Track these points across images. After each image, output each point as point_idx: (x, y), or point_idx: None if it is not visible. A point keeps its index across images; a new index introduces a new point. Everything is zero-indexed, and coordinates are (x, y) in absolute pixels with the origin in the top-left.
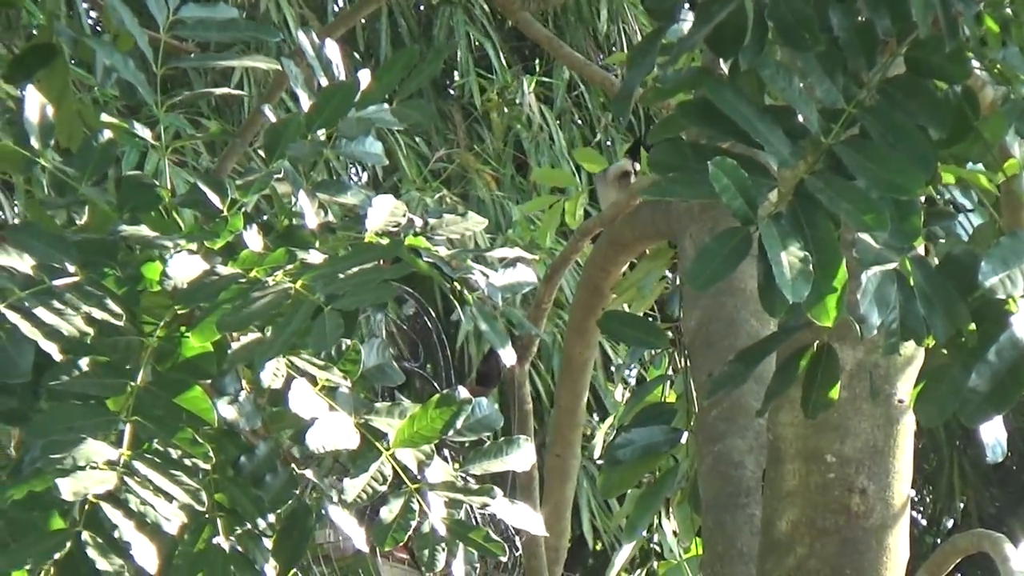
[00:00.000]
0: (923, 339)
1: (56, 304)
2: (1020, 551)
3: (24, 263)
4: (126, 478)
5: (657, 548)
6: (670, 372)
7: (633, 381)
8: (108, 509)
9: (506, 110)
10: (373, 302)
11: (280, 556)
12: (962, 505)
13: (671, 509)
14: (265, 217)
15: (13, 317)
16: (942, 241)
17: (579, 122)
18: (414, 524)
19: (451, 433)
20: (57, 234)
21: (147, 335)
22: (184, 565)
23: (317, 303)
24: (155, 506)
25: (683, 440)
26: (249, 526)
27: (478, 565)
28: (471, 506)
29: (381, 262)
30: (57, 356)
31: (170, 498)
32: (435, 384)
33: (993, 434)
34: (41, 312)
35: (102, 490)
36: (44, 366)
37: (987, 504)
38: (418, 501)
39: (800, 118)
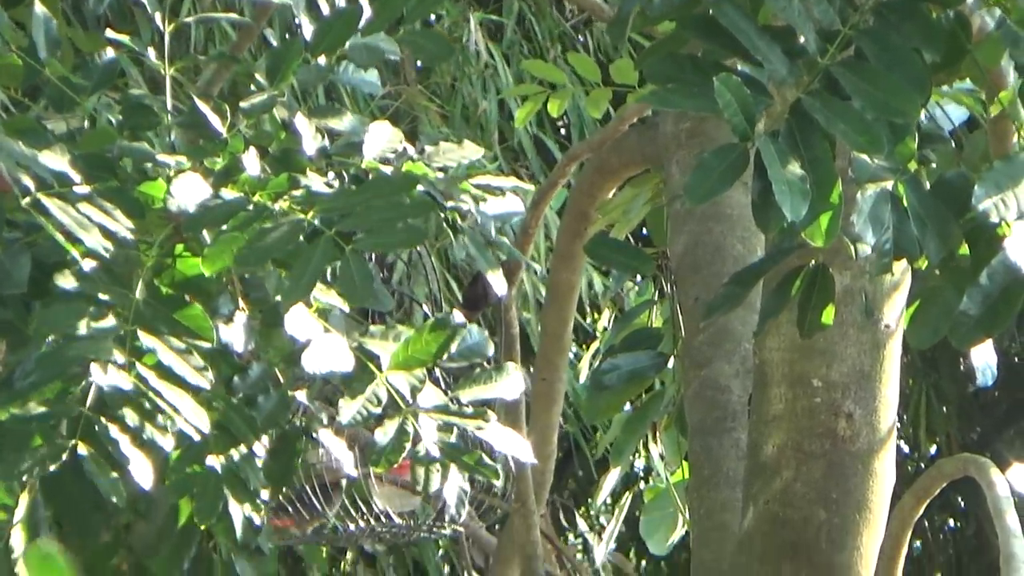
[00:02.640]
0: (916, 260)
1: (74, 212)
2: (1010, 475)
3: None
4: (138, 384)
5: (641, 474)
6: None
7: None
8: (105, 423)
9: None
10: (403, 245)
11: (270, 477)
12: (945, 432)
13: (658, 434)
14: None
15: (53, 210)
16: (934, 165)
17: (528, 54)
18: (408, 447)
19: (444, 359)
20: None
21: (145, 252)
22: (177, 484)
23: (335, 239)
24: (166, 414)
25: (669, 365)
26: (243, 447)
27: (468, 490)
28: (462, 432)
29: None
30: (77, 257)
31: (178, 411)
32: (423, 307)
33: (983, 358)
34: (63, 217)
35: (124, 386)
36: (38, 279)
37: (968, 430)
38: (412, 424)
39: (799, 39)
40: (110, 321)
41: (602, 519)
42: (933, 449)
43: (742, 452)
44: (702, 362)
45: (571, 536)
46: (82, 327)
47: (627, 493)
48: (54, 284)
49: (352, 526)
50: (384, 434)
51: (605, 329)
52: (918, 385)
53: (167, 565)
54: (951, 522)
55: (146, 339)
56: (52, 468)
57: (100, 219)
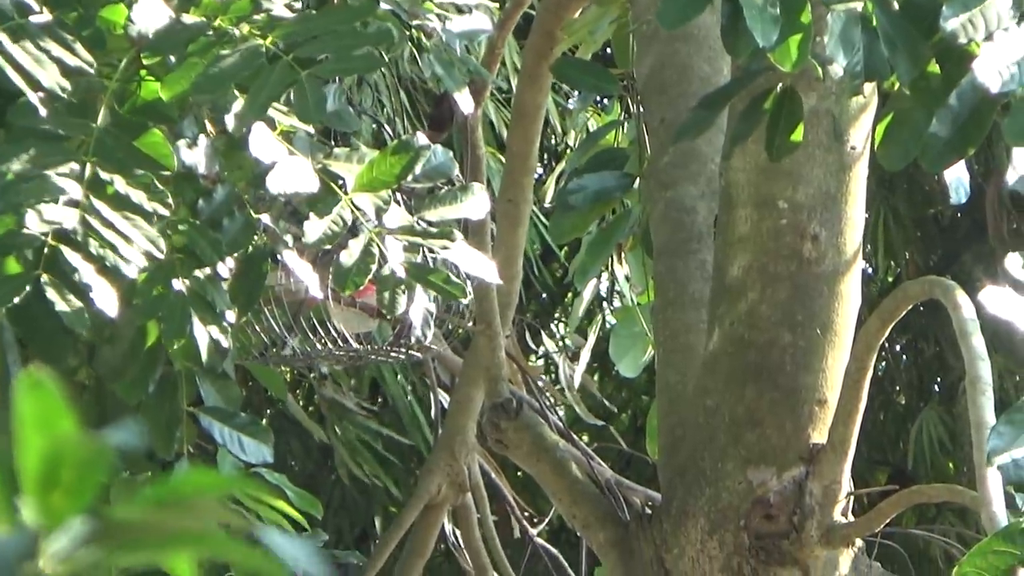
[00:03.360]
0: (887, 80)
1: (31, 48)
2: (982, 296)
3: None
4: (88, 217)
5: (605, 296)
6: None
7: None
8: (67, 252)
9: None
10: (361, 71)
11: (237, 299)
12: (904, 255)
13: (623, 255)
14: None
15: (8, 45)
16: None
17: None
18: (373, 268)
19: (408, 179)
20: None
21: (108, 76)
22: (142, 307)
23: (292, 64)
24: (117, 247)
25: (635, 186)
26: (208, 269)
27: (434, 311)
28: (426, 253)
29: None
30: (35, 99)
31: (130, 241)
32: (388, 129)
33: (955, 175)
34: (18, 54)
35: (70, 224)
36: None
37: (929, 252)
38: (377, 245)
39: None
40: (67, 155)
41: (567, 340)
42: (892, 273)
43: (707, 274)
44: (668, 183)
45: (535, 357)
46: (37, 162)
47: (595, 316)
48: (12, 117)
49: (309, 348)
50: (349, 255)
51: (570, 148)
52: (876, 208)
53: (132, 388)
54: (913, 343)
55: (104, 172)
56: (17, 300)
57: (59, 53)
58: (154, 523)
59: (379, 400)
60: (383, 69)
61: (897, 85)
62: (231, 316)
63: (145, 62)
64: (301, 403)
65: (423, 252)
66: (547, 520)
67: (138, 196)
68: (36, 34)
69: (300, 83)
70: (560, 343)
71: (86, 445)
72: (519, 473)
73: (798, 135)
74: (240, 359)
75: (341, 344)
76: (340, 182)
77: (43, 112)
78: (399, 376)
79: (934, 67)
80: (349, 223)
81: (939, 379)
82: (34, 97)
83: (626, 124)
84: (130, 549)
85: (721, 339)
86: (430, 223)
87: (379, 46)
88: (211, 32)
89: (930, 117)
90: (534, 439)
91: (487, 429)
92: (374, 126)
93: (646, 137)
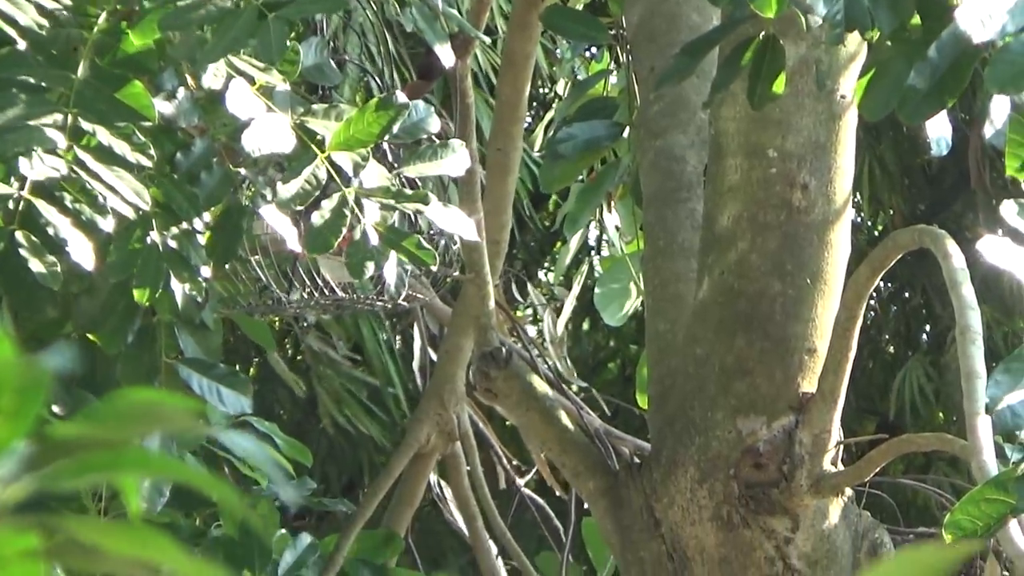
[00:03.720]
0: (867, 30)
1: None
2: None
3: None
4: (75, 167)
5: (593, 245)
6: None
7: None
8: (43, 206)
9: None
10: (324, 11)
11: (213, 253)
12: (890, 205)
13: (612, 204)
14: None
15: None
16: None
17: None
18: (346, 228)
19: (388, 137)
20: None
21: (88, 28)
22: (118, 262)
23: (259, 8)
24: (104, 197)
25: (625, 135)
26: (184, 224)
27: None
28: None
29: None
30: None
31: (116, 192)
32: (376, 79)
33: (937, 128)
34: None
35: (60, 172)
36: None
37: (917, 202)
38: (352, 205)
39: None
40: (50, 106)
41: (555, 290)
42: (882, 221)
43: (697, 223)
44: (657, 132)
45: (521, 308)
46: (22, 112)
47: (583, 265)
48: None
49: (295, 298)
50: (321, 216)
51: (559, 98)
52: (862, 156)
53: (110, 338)
54: (900, 291)
55: (86, 123)
56: None
57: None
58: (96, 442)
59: (362, 353)
60: (368, 14)
61: (878, 35)
62: (206, 271)
63: (119, 7)
64: (290, 351)
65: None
66: (534, 470)
67: (121, 147)
68: None
69: (266, 26)
70: (546, 294)
71: (23, 370)
72: (506, 423)
73: (780, 84)
74: (226, 309)
75: (327, 293)
76: (320, 138)
77: (24, 48)
78: (376, 331)
79: (916, 19)
80: (324, 181)
81: (927, 327)
82: (16, 36)
83: (616, 73)
84: (74, 472)
85: (711, 288)
86: (409, 180)
87: None
88: None
89: (910, 68)
90: (523, 388)
91: (476, 378)
92: (361, 74)
93: (635, 86)
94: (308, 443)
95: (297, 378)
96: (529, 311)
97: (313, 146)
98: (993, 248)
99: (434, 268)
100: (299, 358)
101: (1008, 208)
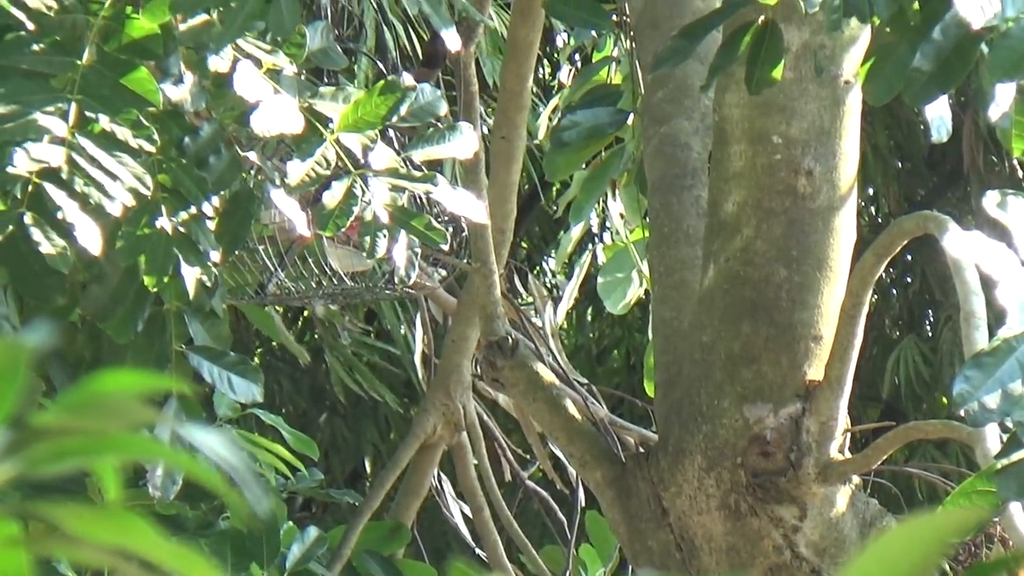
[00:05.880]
0: (865, 17)
1: None
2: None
3: None
4: (74, 155)
5: (597, 231)
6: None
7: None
8: (52, 190)
9: None
10: None
11: (222, 238)
12: (887, 192)
13: (617, 191)
14: None
15: None
16: None
17: None
18: (356, 210)
19: (395, 119)
20: None
21: (93, 14)
22: (127, 247)
23: None
24: (103, 184)
25: (629, 121)
26: (193, 208)
27: (419, 250)
28: (416, 193)
29: None
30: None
31: (116, 178)
32: (382, 67)
33: (937, 112)
34: None
35: (56, 162)
36: None
37: (916, 188)
38: (361, 187)
39: None
40: (53, 93)
41: (556, 280)
42: (885, 207)
43: (702, 209)
44: (662, 119)
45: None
46: (23, 101)
47: (585, 253)
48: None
49: (304, 286)
50: (332, 197)
51: (564, 85)
52: (860, 143)
53: (120, 327)
54: (902, 277)
55: (90, 110)
56: (0, 238)
57: None
58: (74, 428)
59: (374, 326)
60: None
61: (879, 22)
62: (216, 256)
63: None
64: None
65: (413, 192)
66: (537, 464)
67: (124, 133)
68: None
69: (277, 3)
70: (549, 285)
71: (2, 352)
72: (509, 414)
73: (778, 70)
74: (233, 298)
75: (335, 282)
76: (327, 122)
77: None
78: (397, 310)
79: (915, 2)
80: (334, 163)
81: (929, 312)
82: (25, 19)
83: (619, 60)
84: (53, 458)
85: (716, 275)
86: (417, 163)
87: None
88: None
89: (914, 51)
90: (530, 377)
91: (483, 367)
92: (366, 60)
93: (639, 73)
94: (311, 433)
95: (301, 349)
96: (531, 300)
97: (321, 128)
98: (960, 242)
99: (441, 256)
100: (307, 336)
101: (989, 199)
